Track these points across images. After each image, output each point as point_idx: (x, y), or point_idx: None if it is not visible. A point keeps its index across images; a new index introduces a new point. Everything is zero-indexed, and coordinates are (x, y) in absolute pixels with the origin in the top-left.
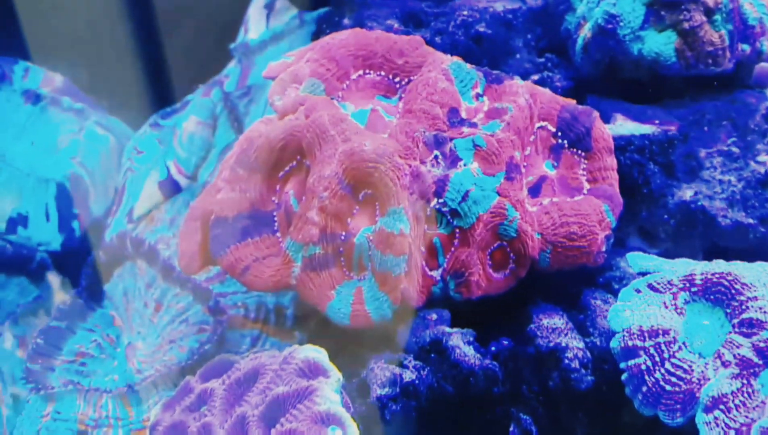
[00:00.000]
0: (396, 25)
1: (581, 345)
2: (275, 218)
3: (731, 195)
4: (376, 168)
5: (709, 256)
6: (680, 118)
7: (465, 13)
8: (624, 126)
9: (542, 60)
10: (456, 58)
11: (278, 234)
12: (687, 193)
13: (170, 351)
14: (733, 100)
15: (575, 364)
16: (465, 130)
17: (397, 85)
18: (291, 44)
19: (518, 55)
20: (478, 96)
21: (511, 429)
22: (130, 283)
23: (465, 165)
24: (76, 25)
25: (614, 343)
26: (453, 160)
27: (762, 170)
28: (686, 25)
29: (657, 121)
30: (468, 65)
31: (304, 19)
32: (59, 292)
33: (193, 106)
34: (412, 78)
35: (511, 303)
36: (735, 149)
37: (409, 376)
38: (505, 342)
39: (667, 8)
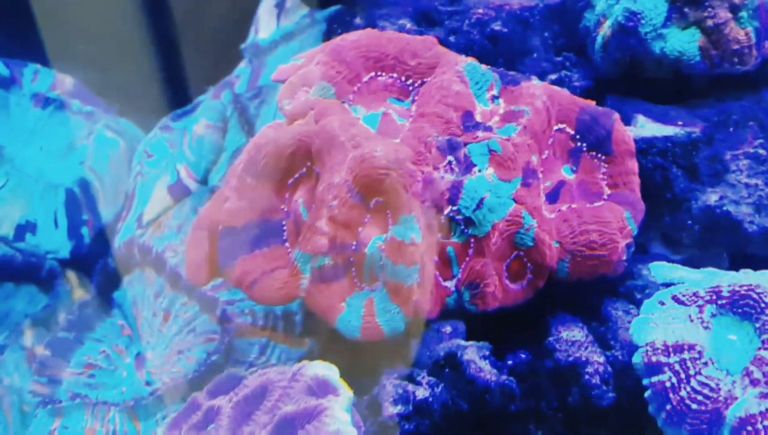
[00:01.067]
0: (409, 25)
1: (602, 359)
2: (284, 227)
3: (758, 199)
4: (387, 175)
5: (735, 264)
6: (704, 119)
7: (480, 11)
8: (646, 127)
9: (560, 59)
10: (470, 59)
11: (287, 244)
12: (712, 197)
13: (178, 362)
14: (759, 99)
15: (596, 379)
16: (480, 134)
17: (410, 88)
18: (302, 44)
19: (535, 54)
20: (493, 98)
21: None
22: (139, 291)
23: (480, 171)
24: (89, 26)
25: (637, 358)
26: (467, 166)
27: None
28: (711, 22)
29: (680, 123)
30: (483, 66)
31: (315, 18)
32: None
33: (203, 108)
34: (425, 80)
35: (529, 314)
36: (762, 151)
37: (422, 393)
38: (523, 355)
39: (690, 5)
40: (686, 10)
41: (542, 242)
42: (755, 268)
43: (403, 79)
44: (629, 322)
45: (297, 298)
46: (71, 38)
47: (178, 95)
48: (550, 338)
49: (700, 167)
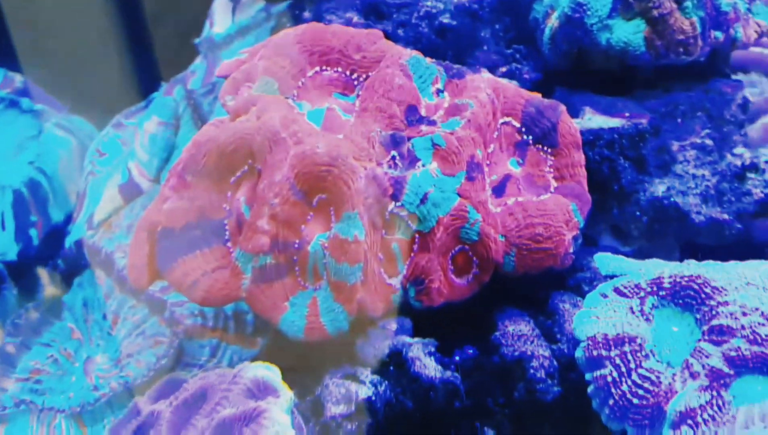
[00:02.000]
0: (356, 18)
1: (548, 353)
2: (226, 227)
3: (705, 190)
4: (329, 171)
5: (686, 255)
6: (652, 110)
7: (428, 3)
8: (593, 120)
9: (510, 51)
10: (415, 53)
11: (229, 244)
12: (659, 188)
13: (128, 366)
14: (707, 89)
15: (541, 373)
16: (424, 128)
17: (355, 82)
18: (258, 38)
19: (485, 47)
20: (438, 92)
21: None
22: (89, 292)
23: (423, 165)
24: (42, 24)
25: (579, 353)
26: (411, 161)
27: (738, 163)
28: (655, 12)
29: (627, 114)
30: (428, 59)
31: (271, 12)
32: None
33: (154, 105)
34: (370, 74)
35: (476, 309)
36: (709, 142)
37: (365, 392)
38: (470, 351)
39: None
40: (631, 0)
41: (487, 236)
42: (704, 259)
43: (348, 73)
44: (568, 315)
45: (238, 299)
46: (33, 34)
47: (135, 92)
48: (497, 333)
49: (648, 158)
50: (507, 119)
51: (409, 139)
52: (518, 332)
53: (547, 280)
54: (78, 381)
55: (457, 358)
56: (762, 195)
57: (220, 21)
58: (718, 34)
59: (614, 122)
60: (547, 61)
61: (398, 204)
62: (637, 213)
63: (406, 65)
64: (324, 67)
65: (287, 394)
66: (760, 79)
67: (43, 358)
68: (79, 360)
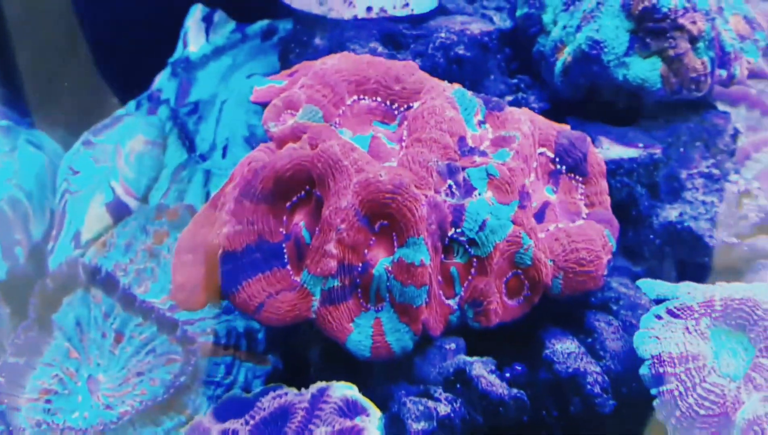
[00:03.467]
0: (380, 48)
1: (598, 369)
2: (284, 250)
3: (714, 215)
4: (393, 199)
5: (682, 272)
6: (660, 140)
7: (443, 35)
8: (611, 150)
9: (515, 81)
10: (457, 86)
11: (288, 266)
12: (672, 213)
13: (141, 384)
14: (702, 120)
15: (597, 389)
16: (477, 159)
17: (396, 112)
18: (234, 58)
19: (492, 77)
20: (480, 123)
21: None
22: (82, 312)
23: (479, 194)
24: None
25: (644, 370)
26: (467, 190)
27: (735, 189)
28: (671, 52)
29: (641, 145)
30: (469, 92)
31: (247, 33)
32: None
33: (137, 124)
34: (411, 104)
35: (515, 328)
36: (715, 171)
37: (443, 409)
38: (518, 368)
39: (653, 36)
40: (648, 40)
41: (539, 261)
42: (698, 277)
43: (388, 103)
44: (613, 332)
45: (306, 320)
46: None
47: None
48: (546, 350)
49: (660, 185)
50: (542, 150)
51: (463, 169)
52: (567, 350)
53: (574, 300)
54: (85, 400)
55: (507, 374)
56: (757, 218)
57: (194, 41)
58: (723, 72)
59: (631, 152)
60: (555, 91)
61: (458, 230)
62: (651, 236)
63: (453, 98)
64: (362, 96)
65: (377, 413)
66: (747, 114)
67: (48, 377)
68: (81, 379)
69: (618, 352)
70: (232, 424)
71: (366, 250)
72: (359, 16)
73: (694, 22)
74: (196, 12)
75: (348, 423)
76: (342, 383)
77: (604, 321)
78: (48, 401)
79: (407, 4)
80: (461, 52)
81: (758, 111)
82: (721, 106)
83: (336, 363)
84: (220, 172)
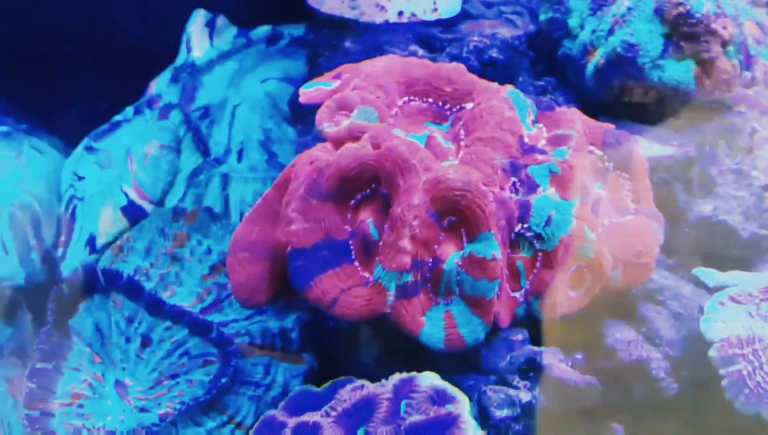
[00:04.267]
0: (421, 52)
1: (660, 355)
2: (351, 247)
3: (746, 209)
4: (463, 196)
5: (714, 264)
6: (687, 139)
7: (476, 38)
8: (650, 148)
9: (542, 83)
10: (510, 87)
11: (356, 263)
12: (706, 208)
13: (177, 386)
14: (723, 120)
15: (662, 373)
16: (538, 157)
17: (448, 112)
18: (240, 63)
19: (521, 79)
20: (533, 123)
21: None
22: (101, 317)
23: (543, 191)
24: None
25: (713, 353)
26: (531, 187)
27: (758, 184)
28: (705, 55)
29: (675, 143)
30: (521, 93)
31: (251, 38)
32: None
33: (150, 129)
34: (463, 105)
35: (572, 319)
36: (744, 166)
37: (525, 396)
38: (578, 356)
39: (687, 40)
40: (682, 44)
41: (601, 254)
42: (733, 268)
43: (440, 103)
44: (665, 321)
45: (380, 314)
46: None
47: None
48: (608, 340)
49: (694, 182)
50: (591, 148)
51: (525, 166)
52: (627, 338)
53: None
54: (116, 404)
55: (569, 364)
56: None
57: (198, 46)
58: (748, 74)
59: (668, 150)
60: (585, 92)
61: (525, 225)
62: (686, 230)
63: (509, 98)
64: (412, 98)
65: (466, 401)
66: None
67: (77, 382)
68: (108, 384)
69: (672, 338)
70: (311, 417)
71: (436, 246)
72: (390, 21)
73: (725, 27)
74: (199, 17)
75: (442, 410)
76: (428, 373)
77: (654, 311)
78: (80, 406)
79: (436, 9)
80: (494, 55)
81: (756, 111)
82: None
83: (394, 360)
84: (238, 175)
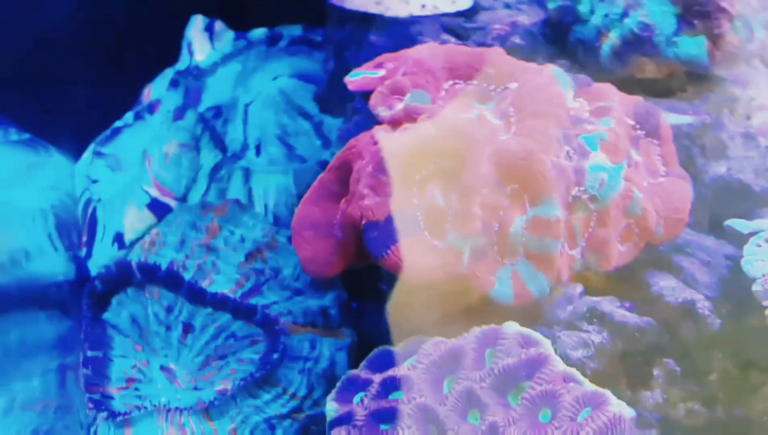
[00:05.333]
0: (453, 40)
1: (702, 296)
2: (419, 218)
3: (756, 167)
4: (525, 164)
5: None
6: (700, 108)
7: (497, 26)
8: (668, 117)
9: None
10: (551, 66)
11: (426, 232)
12: (720, 169)
13: (228, 365)
14: (723, 90)
15: (706, 311)
16: (588, 126)
17: (492, 92)
18: (244, 64)
19: (540, 61)
20: (574, 97)
21: (655, 372)
22: (136, 309)
23: (594, 157)
24: None
25: (756, 287)
26: (583, 153)
27: (762, 144)
28: (716, 30)
29: (690, 112)
30: (563, 71)
31: (251, 39)
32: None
33: (167, 130)
34: (507, 86)
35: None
36: (751, 130)
37: (596, 337)
38: (627, 305)
39: (699, 18)
40: (695, 21)
41: (647, 210)
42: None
43: (486, 84)
44: (698, 268)
45: (456, 278)
46: None
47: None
48: (653, 288)
49: (707, 146)
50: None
51: (576, 135)
52: (670, 285)
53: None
54: (166, 387)
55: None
56: None
57: (200, 50)
58: (750, 48)
59: (686, 119)
60: (600, 72)
61: (581, 189)
62: (703, 190)
63: (553, 75)
64: (457, 81)
65: (549, 343)
66: None
67: (128, 368)
68: (153, 369)
69: (708, 282)
70: (396, 371)
71: (501, 212)
72: (414, 14)
73: (732, 5)
74: (197, 22)
75: (532, 351)
76: (509, 322)
77: (687, 260)
78: (136, 389)
79: (454, 1)
80: (517, 41)
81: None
82: None
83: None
84: (259, 168)
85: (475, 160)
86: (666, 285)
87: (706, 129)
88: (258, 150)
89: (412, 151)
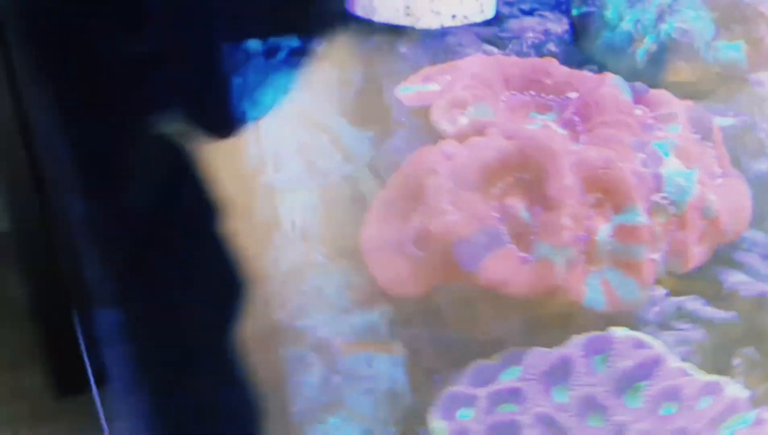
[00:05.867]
0: (496, 51)
1: None
2: (503, 231)
3: None
4: (607, 173)
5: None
6: (738, 109)
7: (530, 35)
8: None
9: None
10: (610, 74)
11: (511, 245)
12: (762, 166)
13: None
14: (751, 91)
15: None
16: (659, 133)
17: (552, 103)
18: (244, 78)
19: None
20: (635, 105)
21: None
22: None
23: (669, 163)
24: None
25: None
26: (657, 160)
27: None
28: (755, 35)
29: (731, 113)
30: (623, 79)
31: (248, 52)
32: None
33: None
34: (566, 95)
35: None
36: None
37: (693, 334)
38: (699, 302)
39: (737, 23)
40: (733, 26)
41: (720, 212)
42: None
43: (544, 94)
44: (757, 262)
45: (551, 289)
46: None
47: None
48: (725, 284)
49: (747, 144)
50: None
51: (648, 142)
52: (741, 281)
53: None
54: None
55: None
56: None
57: None
58: None
59: (729, 120)
60: (635, 75)
61: (661, 195)
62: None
63: (615, 84)
64: (513, 92)
65: (660, 343)
66: None
67: None
68: None
69: None
70: (503, 384)
71: (586, 221)
72: (445, 25)
73: None
74: None
75: (647, 352)
76: (616, 327)
77: (746, 256)
78: None
79: (483, 11)
80: (552, 48)
81: None
82: None
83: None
84: (280, 184)
85: (557, 171)
86: (737, 280)
87: (747, 129)
88: (276, 165)
89: (490, 165)
